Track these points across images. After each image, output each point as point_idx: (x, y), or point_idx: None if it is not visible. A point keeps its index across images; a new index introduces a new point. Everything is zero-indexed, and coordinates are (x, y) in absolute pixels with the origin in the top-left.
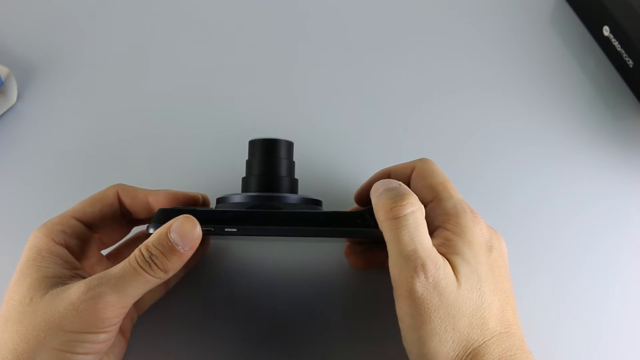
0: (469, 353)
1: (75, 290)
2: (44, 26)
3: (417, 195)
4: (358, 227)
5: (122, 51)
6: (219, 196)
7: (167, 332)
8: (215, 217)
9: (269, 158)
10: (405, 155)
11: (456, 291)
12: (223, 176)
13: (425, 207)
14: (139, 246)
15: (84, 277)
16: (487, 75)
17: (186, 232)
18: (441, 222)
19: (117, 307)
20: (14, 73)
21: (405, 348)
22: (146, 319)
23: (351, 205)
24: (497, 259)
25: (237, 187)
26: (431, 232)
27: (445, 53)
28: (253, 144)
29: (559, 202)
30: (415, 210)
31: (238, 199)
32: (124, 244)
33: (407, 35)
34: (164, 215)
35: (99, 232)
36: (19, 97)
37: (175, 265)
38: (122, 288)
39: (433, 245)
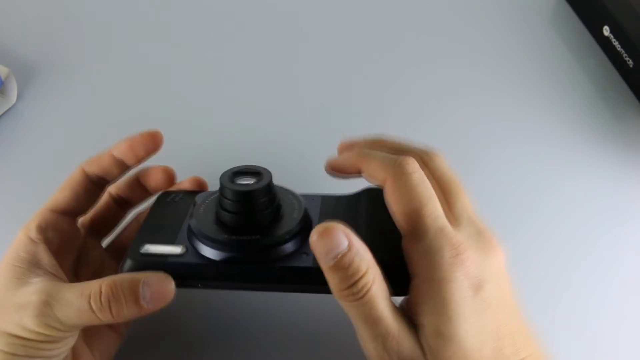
0: None
1: (26, 302)
2: (44, 26)
3: (393, 219)
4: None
5: (122, 51)
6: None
7: (166, 334)
8: (189, 274)
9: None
10: None
11: None
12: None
13: (403, 235)
14: (103, 282)
15: (48, 272)
16: (487, 75)
17: (159, 291)
18: (416, 269)
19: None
20: (14, 73)
21: None
22: (146, 318)
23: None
24: (487, 295)
25: None
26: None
27: (445, 53)
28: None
29: (558, 201)
30: (369, 285)
31: (211, 245)
32: (122, 233)
33: (407, 35)
34: (139, 260)
35: (82, 214)
36: (19, 97)
37: (130, 316)
38: (66, 318)
39: (404, 303)
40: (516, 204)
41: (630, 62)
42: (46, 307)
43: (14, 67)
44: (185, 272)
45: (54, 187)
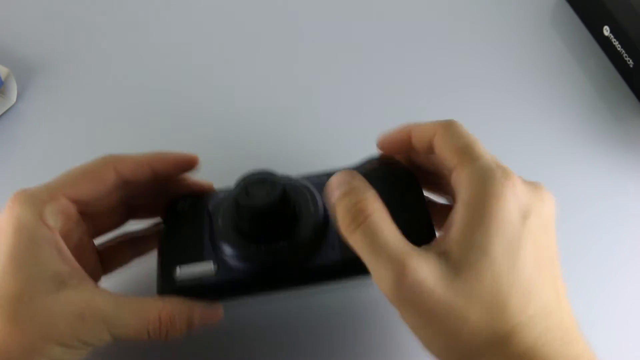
0: (494, 343)
1: (80, 314)
2: (44, 26)
3: (441, 161)
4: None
5: (122, 51)
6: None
7: None
8: (226, 290)
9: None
10: None
11: (453, 284)
12: (226, 174)
13: (451, 172)
14: (162, 311)
15: (80, 275)
16: (487, 75)
17: (210, 317)
18: (464, 190)
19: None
20: (14, 73)
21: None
22: None
23: None
24: (533, 227)
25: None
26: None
27: (445, 53)
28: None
29: (558, 201)
30: (368, 215)
31: (241, 259)
32: (116, 242)
33: (408, 35)
34: (176, 288)
35: (91, 216)
36: (19, 97)
37: (179, 336)
38: (120, 336)
39: (449, 227)
40: None
41: (630, 62)
42: (105, 324)
43: (14, 67)
44: (222, 290)
45: None
